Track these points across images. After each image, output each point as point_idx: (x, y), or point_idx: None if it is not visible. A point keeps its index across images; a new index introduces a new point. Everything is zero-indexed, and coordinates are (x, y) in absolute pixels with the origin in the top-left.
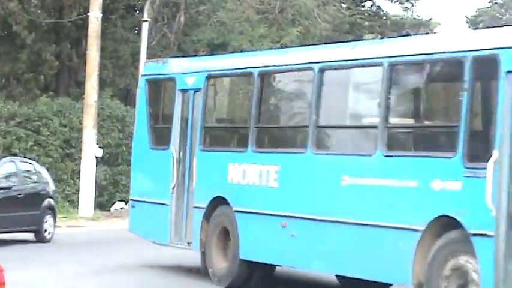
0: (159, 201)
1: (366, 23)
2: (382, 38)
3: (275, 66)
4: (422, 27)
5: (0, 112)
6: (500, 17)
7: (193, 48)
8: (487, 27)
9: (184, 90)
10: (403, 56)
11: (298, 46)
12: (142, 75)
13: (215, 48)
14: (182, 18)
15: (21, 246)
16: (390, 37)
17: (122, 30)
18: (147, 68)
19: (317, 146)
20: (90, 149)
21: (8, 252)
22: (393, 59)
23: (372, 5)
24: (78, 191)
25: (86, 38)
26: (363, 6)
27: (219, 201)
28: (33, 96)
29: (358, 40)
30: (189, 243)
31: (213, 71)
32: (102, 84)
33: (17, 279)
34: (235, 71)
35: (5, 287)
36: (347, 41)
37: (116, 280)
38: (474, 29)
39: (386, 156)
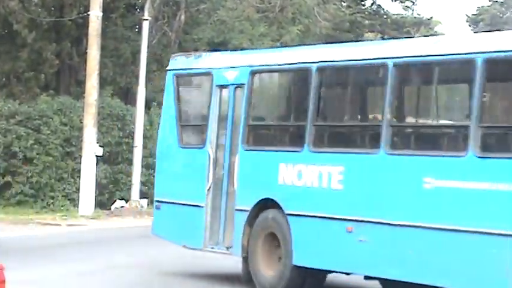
0: (190, 203)
1: (367, 21)
2: (382, 37)
3: (339, 61)
4: (422, 26)
5: (0, 111)
6: (501, 15)
7: (194, 46)
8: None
9: (222, 86)
10: (501, 51)
11: (298, 45)
12: (170, 70)
13: (215, 47)
14: (182, 17)
15: (22, 245)
16: (391, 37)
17: (123, 29)
18: (175, 62)
19: (392, 146)
20: (91, 148)
21: (9, 250)
22: (489, 55)
23: (372, 4)
24: (78, 189)
25: (86, 36)
26: (363, 5)
27: (265, 204)
28: (33, 94)
29: (358, 40)
30: (227, 248)
31: (258, 65)
32: (103, 82)
33: (18, 278)
34: (287, 65)
35: (6, 285)
36: (348, 41)
37: (118, 278)
38: (475, 27)
39: (480, 157)
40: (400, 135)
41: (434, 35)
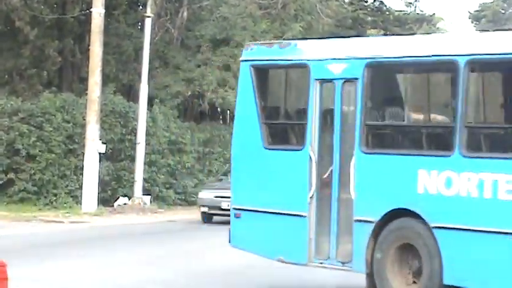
0: (287, 212)
1: (369, 18)
2: (385, 34)
3: (497, 54)
4: (425, 22)
5: (3, 108)
6: (503, 12)
7: (196, 43)
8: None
9: (324, 80)
10: None
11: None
12: (246, 61)
13: (218, 44)
14: (185, 14)
15: (25, 242)
16: (394, 34)
17: (125, 26)
18: (252, 52)
19: None
20: (93, 145)
21: (12, 247)
22: None
23: (374, 0)
24: (81, 186)
25: (89, 33)
26: (366, 2)
27: (396, 215)
28: (36, 92)
29: (361, 36)
30: (343, 263)
31: (378, 57)
32: (105, 79)
33: (20, 275)
34: (420, 58)
35: (8, 282)
36: (349, 37)
37: (121, 276)
38: (477, 24)
39: None
40: None
41: (436, 31)
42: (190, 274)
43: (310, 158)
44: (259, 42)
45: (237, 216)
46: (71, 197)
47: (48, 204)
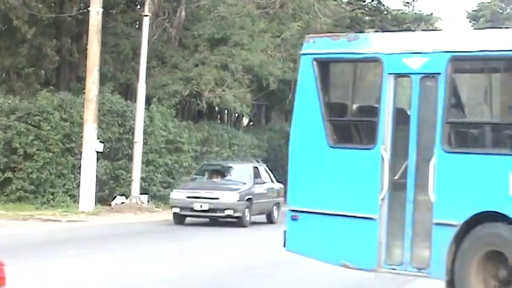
0: (354, 214)
1: (367, 17)
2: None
3: None
4: (423, 22)
5: (0, 107)
6: (501, 11)
7: (194, 43)
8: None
9: (400, 75)
10: None
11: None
12: (307, 54)
13: (216, 43)
14: (183, 13)
15: (22, 241)
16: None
17: (123, 25)
18: (314, 45)
19: None
20: (91, 144)
21: (9, 246)
22: None
23: (372, 0)
24: (78, 185)
25: (86, 32)
26: (364, 1)
27: (483, 218)
28: (33, 90)
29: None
30: (419, 269)
31: (463, 52)
32: (103, 79)
33: (18, 274)
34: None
35: (6, 281)
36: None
37: (119, 275)
38: (475, 23)
39: None
40: None
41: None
42: (188, 273)
43: (382, 157)
44: (319, 35)
45: (293, 219)
46: (69, 196)
47: (45, 203)
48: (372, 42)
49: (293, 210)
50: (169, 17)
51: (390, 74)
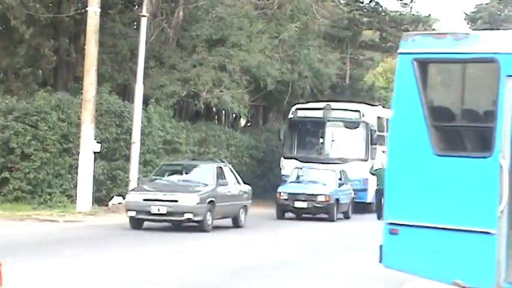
0: (467, 228)
1: (365, 19)
2: (381, 35)
3: None
4: (421, 23)
5: None
6: (499, 13)
7: (192, 43)
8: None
9: None
10: None
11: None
12: (406, 54)
13: (213, 44)
14: (181, 14)
15: (19, 241)
16: (390, 35)
17: (121, 25)
18: (413, 43)
19: None
20: (88, 144)
21: (6, 246)
22: None
23: (370, 1)
24: (76, 185)
25: (84, 33)
26: (362, 2)
27: None
28: (31, 91)
29: (356, 37)
30: None
31: None
32: (101, 79)
33: (15, 274)
34: None
35: (2, 280)
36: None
37: (115, 275)
38: (473, 25)
39: None
40: None
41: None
42: (186, 273)
43: (501, 166)
44: (419, 32)
45: (393, 233)
46: (66, 196)
47: (42, 203)
48: (485, 41)
49: (392, 224)
50: (167, 17)
51: (509, 76)
